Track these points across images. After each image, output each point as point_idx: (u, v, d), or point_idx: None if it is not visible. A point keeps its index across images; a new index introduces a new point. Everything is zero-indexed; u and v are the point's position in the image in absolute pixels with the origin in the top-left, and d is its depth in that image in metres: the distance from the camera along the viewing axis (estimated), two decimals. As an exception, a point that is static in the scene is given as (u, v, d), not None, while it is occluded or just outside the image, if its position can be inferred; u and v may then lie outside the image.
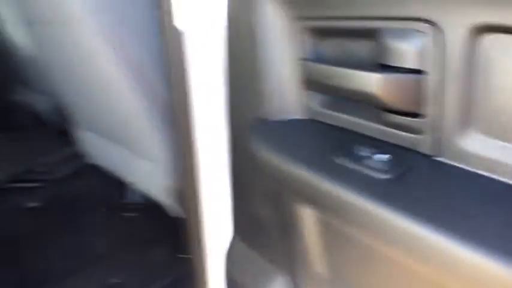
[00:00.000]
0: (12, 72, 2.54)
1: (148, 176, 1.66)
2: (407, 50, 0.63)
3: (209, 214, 1.15)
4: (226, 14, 0.90)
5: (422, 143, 0.67)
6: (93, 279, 1.74)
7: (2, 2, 2.26)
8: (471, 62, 0.58)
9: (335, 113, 0.81)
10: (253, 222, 1.02)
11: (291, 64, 0.83)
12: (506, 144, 0.59)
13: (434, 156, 0.66)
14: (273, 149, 0.82)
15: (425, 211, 0.58)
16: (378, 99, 0.67)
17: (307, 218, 0.78)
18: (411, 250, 0.59)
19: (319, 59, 0.79)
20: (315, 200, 0.74)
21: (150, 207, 1.75)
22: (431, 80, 0.62)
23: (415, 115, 0.66)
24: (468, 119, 0.61)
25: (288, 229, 0.86)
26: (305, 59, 0.81)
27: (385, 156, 0.67)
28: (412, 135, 0.68)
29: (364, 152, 0.69)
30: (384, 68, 0.66)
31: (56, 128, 2.29)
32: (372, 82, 0.67)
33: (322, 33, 0.79)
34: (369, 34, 0.68)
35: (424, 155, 0.67)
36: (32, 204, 2.19)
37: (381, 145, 0.71)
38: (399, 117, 0.68)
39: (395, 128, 0.70)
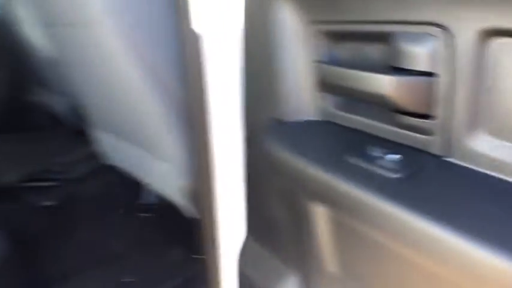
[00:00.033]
0: (29, 73, 2.56)
1: (164, 176, 1.67)
2: (419, 53, 0.65)
3: (223, 215, 1.16)
4: (243, 18, 0.93)
5: (433, 143, 0.69)
6: (107, 278, 1.75)
7: (19, 4, 2.29)
8: (480, 65, 0.60)
9: (348, 115, 0.83)
10: (266, 222, 1.04)
11: (306, 66, 0.86)
12: (513, 145, 0.61)
13: (444, 157, 0.68)
14: (288, 149, 0.85)
15: (435, 209, 0.60)
16: (390, 101, 0.69)
17: (321, 216, 0.81)
18: (422, 248, 0.61)
19: (334, 62, 0.81)
20: (329, 198, 0.76)
21: (165, 207, 1.75)
22: (442, 82, 0.64)
23: (426, 116, 0.68)
24: (477, 120, 0.63)
25: (301, 228, 0.88)
26: (320, 62, 0.83)
27: (397, 157, 0.69)
28: (422, 136, 0.70)
29: (376, 152, 0.72)
30: (396, 70, 0.68)
31: (73, 129, 2.31)
32: (384, 84, 0.69)
33: (337, 36, 0.81)
34: (382, 38, 0.70)
35: (434, 156, 0.69)
36: (47, 203, 2.21)
37: (392, 146, 0.73)
38: (411, 118, 0.70)
39: (406, 129, 0.72)
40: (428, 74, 0.65)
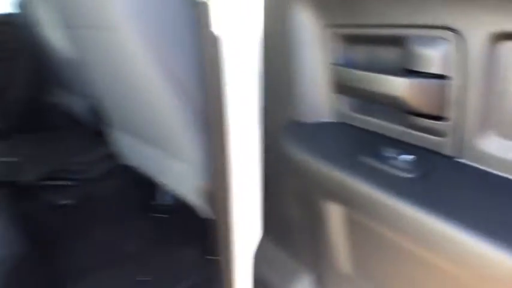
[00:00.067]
0: (49, 75, 2.61)
1: (180, 177, 1.69)
2: (432, 56, 0.67)
3: (238, 215, 1.17)
4: (262, 21, 0.95)
5: (445, 145, 0.71)
6: (122, 276, 1.78)
7: (40, 5, 2.34)
8: (491, 67, 0.62)
9: (363, 117, 0.86)
10: (282, 222, 1.07)
11: (323, 69, 0.88)
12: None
13: (456, 158, 0.70)
14: (305, 149, 0.88)
15: (448, 208, 0.62)
16: (404, 103, 0.71)
17: (336, 216, 0.83)
18: (436, 247, 0.63)
19: (349, 64, 0.84)
20: (343, 197, 0.79)
21: (181, 208, 1.78)
22: (454, 84, 0.67)
23: (438, 118, 0.70)
24: (488, 122, 0.65)
25: (317, 228, 0.90)
26: (336, 64, 0.86)
27: (410, 157, 0.72)
28: (435, 137, 0.72)
29: (390, 153, 0.74)
30: (410, 73, 0.70)
31: (91, 129, 2.34)
32: (398, 86, 0.71)
33: (352, 39, 0.84)
34: (397, 41, 0.73)
35: (446, 157, 0.71)
36: (65, 202, 2.24)
37: (406, 147, 0.75)
38: (423, 120, 0.72)
39: (419, 131, 0.74)
40: (441, 77, 0.67)
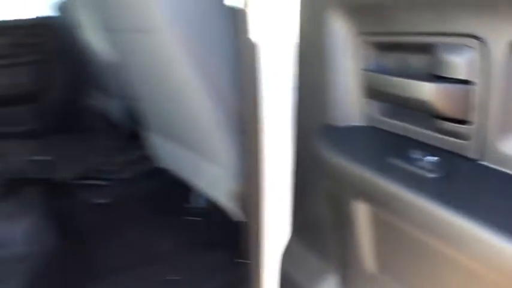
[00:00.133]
0: (88, 77, 2.68)
1: (214, 180, 1.72)
2: (457, 63, 0.72)
3: (270, 219, 1.21)
4: (297, 28, 1.01)
5: (468, 148, 0.75)
6: (151, 275, 1.82)
7: (81, 8, 2.41)
8: None
9: (392, 121, 0.90)
10: (311, 223, 1.11)
11: (354, 75, 0.93)
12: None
13: (479, 160, 0.74)
14: (338, 152, 0.93)
15: (471, 207, 0.66)
16: (431, 106, 0.76)
17: (365, 215, 0.88)
18: (461, 246, 0.67)
19: (380, 70, 0.89)
20: (373, 196, 0.84)
21: (214, 211, 1.80)
22: (477, 89, 0.71)
23: (462, 122, 0.74)
24: (510, 125, 0.69)
25: (346, 228, 0.94)
26: (366, 70, 0.91)
27: (434, 158, 0.76)
28: (459, 140, 0.76)
29: (416, 155, 0.78)
30: (437, 78, 0.75)
31: (126, 131, 2.41)
32: (426, 91, 0.76)
33: (383, 46, 0.89)
34: (424, 48, 0.77)
35: (470, 159, 0.75)
36: (98, 201, 2.31)
37: (431, 150, 0.80)
38: (449, 123, 0.76)
39: (444, 134, 0.78)
40: (466, 82, 0.71)
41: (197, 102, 1.56)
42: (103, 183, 2.42)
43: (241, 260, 1.37)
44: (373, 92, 0.91)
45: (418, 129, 0.84)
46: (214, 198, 1.78)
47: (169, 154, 2.03)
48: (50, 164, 2.45)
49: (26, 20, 3.06)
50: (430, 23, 0.75)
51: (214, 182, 1.74)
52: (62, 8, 2.65)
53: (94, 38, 2.36)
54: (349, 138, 0.96)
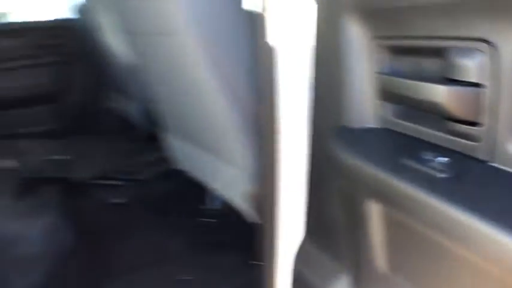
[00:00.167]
0: (107, 79, 2.71)
1: (229, 181, 1.74)
2: (468, 66, 0.74)
3: (285, 221, 1.22)
4: (314, 32, 1.04)
5: (479, 149, 0.77)
6: (165, 276, 1.84)
7: (101, 11, 2.43)
8: None
9: (405, 123, 0.93)
10: (325, 223, 1.13)
11: (369, 77, 0.96)
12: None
13: (489, 162, 0.76)
14: (353, 153, 0.96)
15: (480, 206, 0.68)
16: (443, 108, 0.78)
17: (379, 215, 0.90)
18: (473, 246, 0.69)
19: (393, 73, 0.91)
20: (385, 196, 0.86)
21: (229, 212, 1.81)
22: (488, 92, 0.73)
23: (473, 124, 0.76)
24: None
25: (359, 228, 0.97)
26: (381, 73, 0.94)
27: (445, 159, 0.78)
28: (470, 142, 0.78)
29: (428, 156, 0.81)
30: (449, 81, 0.77)
31: (145, 133, 2.42)
32: (438, 93, 0.78)
33: (397, 50, 0.92)
34: (437, 52, 0.80)
35: (480, 161, 0.77)
36: (115, 201, 2.34)
37: (442, 151, 0.82)
38: (460, 125, 0.79)
39: (456, 136, 0.81)
40: (477, 85, 0.74)
41: (214, 103, 1.58)
42: (120, 183, 2.45)
43: (255, 262, 1.37)
44: (387, 95, 0.94)
45: (430, 131, 0.87)
46: (229, 200, 1.79)
47: (186, 155, 2.05)
48: (68, 164, 2.49)
49: (46, 21, 3.13)
50: (443, 28, 0.78)
51: (230, 183, 1.76)
52: (81, 10, 2.69)
53: (114, 41, 2.39)
54: (363, 140, 0.99)
